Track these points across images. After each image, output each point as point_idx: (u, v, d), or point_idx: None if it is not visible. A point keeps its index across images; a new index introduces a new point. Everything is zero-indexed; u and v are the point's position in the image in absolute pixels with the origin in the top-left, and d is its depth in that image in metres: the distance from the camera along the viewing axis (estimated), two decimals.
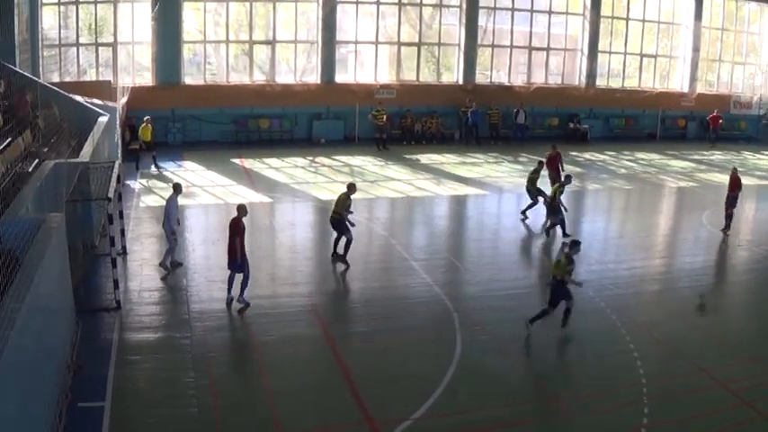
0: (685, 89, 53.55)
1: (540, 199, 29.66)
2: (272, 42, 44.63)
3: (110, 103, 32.94)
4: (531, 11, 49.82)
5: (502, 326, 19.63)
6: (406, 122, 46.04)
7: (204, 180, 34.33)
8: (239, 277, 19.84)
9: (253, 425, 14.52)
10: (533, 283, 24.03)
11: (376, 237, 27.47)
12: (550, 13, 50.20)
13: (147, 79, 42.07)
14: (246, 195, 31.62)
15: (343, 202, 23.42)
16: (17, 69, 27.76)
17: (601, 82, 52.12)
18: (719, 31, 54.71)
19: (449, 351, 17.86)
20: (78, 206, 20.63)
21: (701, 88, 54.21)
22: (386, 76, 47.43)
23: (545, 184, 30.70)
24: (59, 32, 39.51)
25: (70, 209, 19.00)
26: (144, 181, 33.44)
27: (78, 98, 29.54)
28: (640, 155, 46.58)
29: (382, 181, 35.90)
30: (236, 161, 38.47)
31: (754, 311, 22.06)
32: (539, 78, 50.95)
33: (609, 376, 17.41)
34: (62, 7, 39.49)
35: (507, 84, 49.88)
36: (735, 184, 29.20)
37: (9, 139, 18.31)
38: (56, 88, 29.49)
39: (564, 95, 50.46)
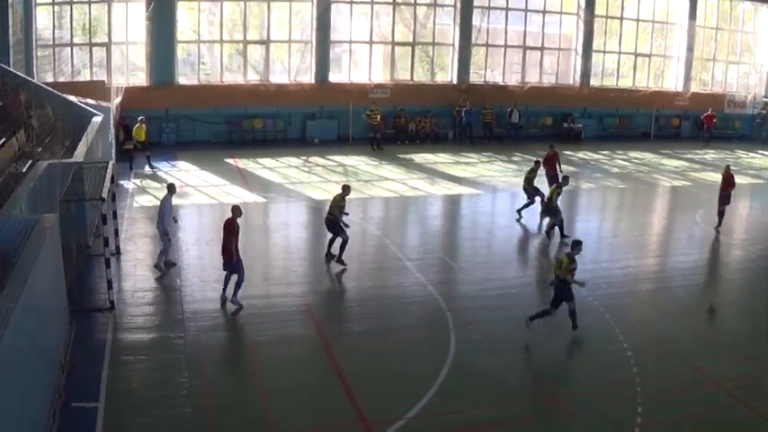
0: (679, 88, 53.67)
1: (537, 198, 29.72)
2: (266, 42, 44.61)
3: (104, 103, 32.92)
4: (526, 10, 49.88)
5: (495, 325, 19.67)
6: (400, 122, 46.09)
7: (198, 180, 34.31)
8: (234, 278, 19.86)
9: (246, 425, 14.53)
10: (527, 282, 24.12)
11: (370, 236, 27.48)
12: (545, 12, 50.23)
13: (140, 79, 42.03)
14: (240, 195, 31.67)
15: (338, 204, 23.39)
16: (11, 69, 27.69)
17: (595, 81, 52.23)
18: (714, 30, 54.83)
19: (442, 350, 17.88)
20: (72, 206, 20.62)
21: (695, 87, 54.36)
22: (380, 76, 47.45)
23: (542, 183, 30.71)
24: (53, 32, 39.49)
25: (64, 209, 18.99)
26: (138, 181, 33.43)
27: (72, 98, 29.49)
28: (634, 154, 46.70)
29: (376, 181, 35.92)
30: (230, 161, 38.45)
31: (749, 310, 22.09)
32: (533, 78, 51.00)
33: (603, 375, 17.45)
34: (56, 7, 39.47)
35: (501, 83, 49.97)
36: (727, 183, 29.31)
37: (3, 139, 18.28)
38: (50, 88, 29.43)
39: (558, 95, 50.54)
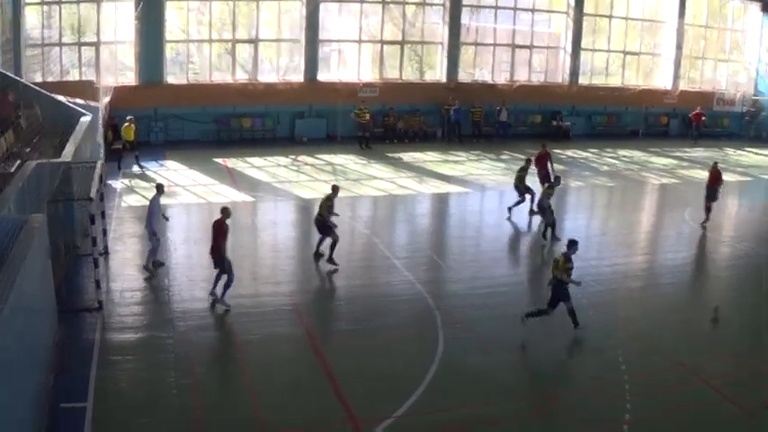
0: (668, 86, 53.78)
1: (528, 196, 29.80)
2: (255, 41, 44.57)
3: (92, 103, 32.84)
4: (515, 9, 49.95)
5: (484, 324, 19.77)
6: (389, 121, 46.07)
7: (186, 179, 34.24)
8: (224, 278, 19.87)
9: (235, 424, 14.57)
10: (516, 281, 24.24)
11: (358, 235, 27.52)
12: (534, 11, 50.30)
13: (129, 79, 41.95)
14: (229, 194, 31.68)
15: (326, 204, 23.43)
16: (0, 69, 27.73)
17: (584, 79, 52.34)
18: (703, 28, 55.00)
19: (431, 349, 17.94)
20: (60, 206, 20.59)
21: (684, 85, 54.44)
22: (369, 75, 47.44)
23: (534, 182, 30.79)
24: (42, 32, 39.39)
25: (52, 209, 18.98)
26: (126, 181, 33.35)
27: (61, 98, 29.48)
28: (623, 152, 46.79)
29: (365, 179, 35.93)
30: (219, 160, 38.40)
31: (736, 308, 22.22)
32: (522, 76, 51.03)
33: (591, 373, 17.56)
34: (45, 7, 39.35)
35: (490, 82, 49.98)
36: (714, 179, 29.46)
37: None
38: (38, 88, 29.45)
39: (547, 93, 50.64)
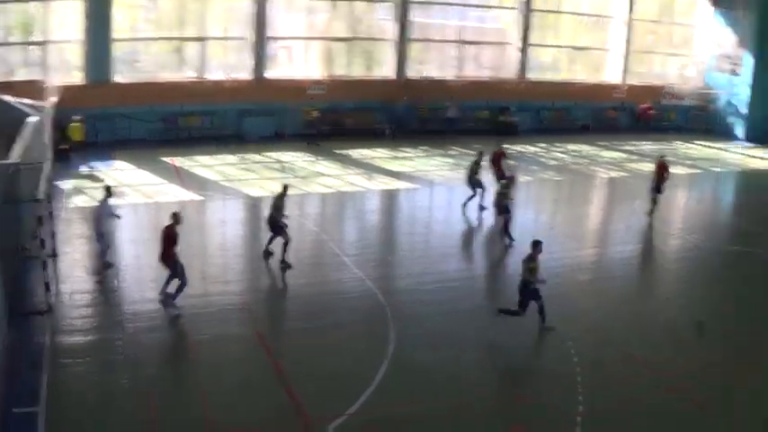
0: (617, 81, 54.43)
1: (479, 190, 30.08)
2: (202, 39, 44.39)
3: (40, 103, 32.60)
4: (464, 5, 50.31)
5: (433, 319, 20.07)
6: (338, 118, 46.11)
7: (135, 179, 33.94)
8: (176, 281, 19.84)
9: (187, 424, 14.73)
10: (466, 275, 24.60)
11: (307, 233, 27.59)
12: (482, 7, 50.63)
13: (77, 78, 41.58)
14: (177, 194, 31.56)
15: (276, 204, 23.54)
16: None
17: (533, 75, 52.73)
18: (652, 23, 55.70)
19: (382, 346, 18.23)
20: (8, 208, 20.49)
21: (632, 80, 55.10)
22: (317, 72, 47.44)
23: (489, 179, 31.12)
24: None
25: (0, 211, 18.91)
26: (74, 181, 33.06)
27: (8, 98, 29.26)
28: (571, 146, 47.18)
29: (313, 177, 35.93)
30: (167, 159, 38.21)
31: (686, 299, 22.76)
32: (470, 72, 51.31)
33: (543, 366, 17.99)
34: None
35: (439, 78, 50.14)
36: (661, 171, 29.93)
37: None
38: None
39: (495, 89, 50.85)
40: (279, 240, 23.55)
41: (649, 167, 31.53)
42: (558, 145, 47.31)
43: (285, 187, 24.03)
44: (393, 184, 35.80)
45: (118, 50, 42.30)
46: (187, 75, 44.19)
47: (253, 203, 30.60)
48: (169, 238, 19.64)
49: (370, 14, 48.73)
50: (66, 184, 32.04)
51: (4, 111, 27.84)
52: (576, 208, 33.64)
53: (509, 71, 51.77)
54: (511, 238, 26.69)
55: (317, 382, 16.49)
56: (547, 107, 52.62)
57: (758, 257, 26.89)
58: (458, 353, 18.44)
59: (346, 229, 29.85)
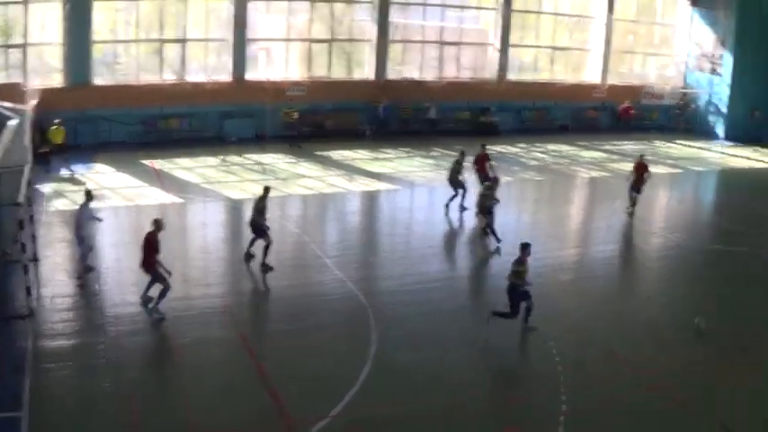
0: (597, 81, 54.72)
1: (460, 191, 30.16)
2: (182, 41, 44.29)
3: (19, 106, 32.41)
4: (443, 6, 50.38)
5: (414, 320, 20.18)
6: (318, 119, 46.10)
7: (115, 182, 33.82)
8: (158, 286, 19.78)
9: (170, 427, 14.72)
10: (447, 276, 24.68)
11: (289, 234, 27.62)
12: (462, 8, 50.75)
13: (57, 80, 41.42)
14: (157, 197, 31.48)
15: (257, 207, 23.55)
16: None
17: (513, 75, 52.87)
18: (632, 23, 56.10)
19: (364, 347, 18.30)
20: None
21: (613, 80, 55.37)
22: (297, 73, 47.43)
23: (470, 179, 31.22)
24: None
25: None
26: (54, 184, 32.90)
27: None
28: (552, 146, 47.35)
29: (294, 178, 35.90)
30: (147, 162, 38.06)
31: (668, 298, 22.92)
32: (451, 73, 51.42)
33: (525, 366, 18.11)
34: None
35: (419, 79, 50.20)
36: (640, 170, 30.11)
37: None
38: None
39: (476, 90, 51.06)
40: (260, 243, 23.54)
41: (631, 167, 31.63)
42: (538, 145, 47.50)
43: (266, 189, 24.03)
44: (374, 185, 35.85)
45: (98, 53, 42.20)
46: (167, 77, 44.06)
47: (233, 206, 30.55)
48: (150, 244, 19.57)
49: (350, 16, 48.75)
50: (46, 188, 31.89)
51: None
52: (557, 208, 33.78)
53: (489, 72, 51.92)
54: (497, 239, 26.71)
55: (300, 384, 16.51)
56: (528, 107, 52.83)
57: (739, 256, 27.12)
58: (440, 353, 18.49)
59: (328, 231, 29.88)
